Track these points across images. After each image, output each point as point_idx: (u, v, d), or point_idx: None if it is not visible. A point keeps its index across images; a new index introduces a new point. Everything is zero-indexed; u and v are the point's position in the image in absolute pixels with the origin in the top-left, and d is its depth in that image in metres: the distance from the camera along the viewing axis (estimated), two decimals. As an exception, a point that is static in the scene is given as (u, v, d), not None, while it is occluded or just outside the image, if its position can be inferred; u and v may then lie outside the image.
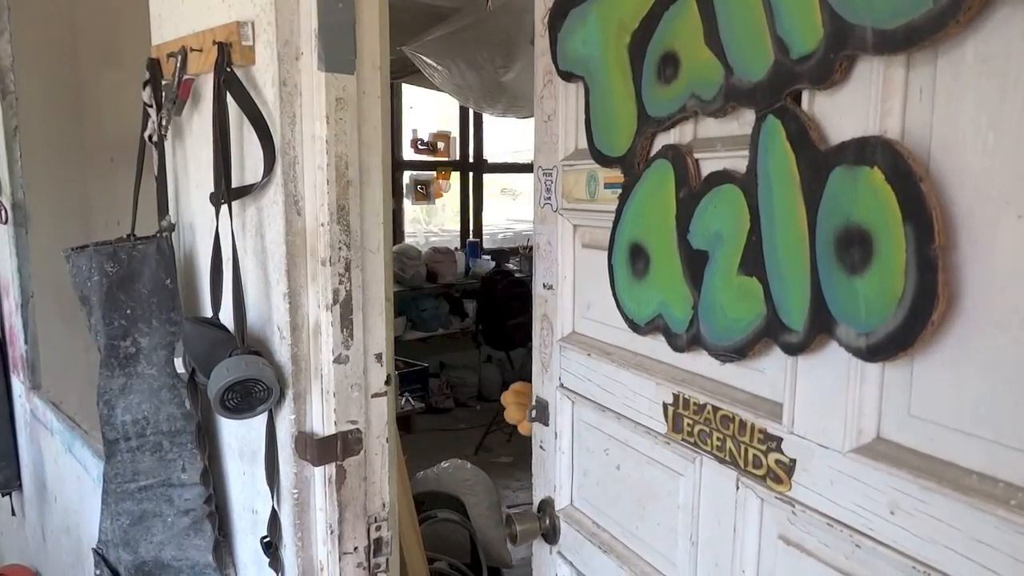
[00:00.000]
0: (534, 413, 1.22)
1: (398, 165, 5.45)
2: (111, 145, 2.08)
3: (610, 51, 0.95)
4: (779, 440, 0.78)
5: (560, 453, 1.18)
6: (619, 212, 0.96)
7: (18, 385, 2.82)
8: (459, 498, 3.30)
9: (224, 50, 1.23)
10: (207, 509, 1.43)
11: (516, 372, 5.11)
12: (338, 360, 1.26)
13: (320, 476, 1.29)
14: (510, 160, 6.40)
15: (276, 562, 1.35)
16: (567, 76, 1.05)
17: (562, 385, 1.16)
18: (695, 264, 0.84)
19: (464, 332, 5.54)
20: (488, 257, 5.79)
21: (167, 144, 1.48)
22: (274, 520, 1.34)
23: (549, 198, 1.14)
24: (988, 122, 0.58)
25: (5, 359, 2.87)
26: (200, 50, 1.32)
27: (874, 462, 0.68)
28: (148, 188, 1.53)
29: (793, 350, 0.73)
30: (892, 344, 0.63)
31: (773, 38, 0.71)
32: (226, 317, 1.32)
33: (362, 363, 1.30)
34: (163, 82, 1.41)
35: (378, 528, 1.36)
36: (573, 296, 1.13)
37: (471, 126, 5.86)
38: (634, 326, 0.97)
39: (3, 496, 3.01)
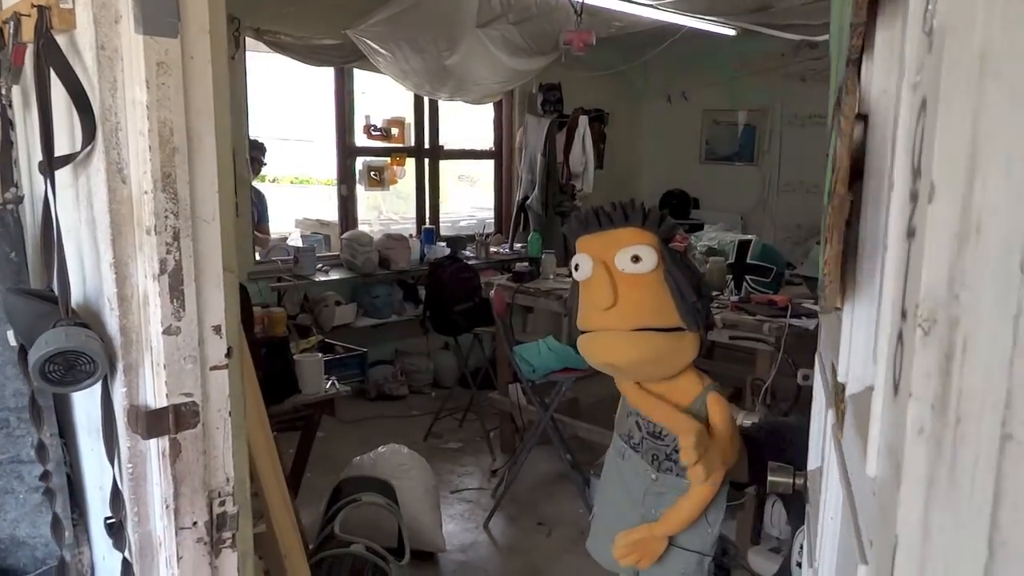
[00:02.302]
0: None
1: (350, 151, 5.42)
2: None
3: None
4: (843, 387, 0.85)
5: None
6: None
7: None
8: (388, 482, 3.29)
9: (44, 14, 1.20)
10: (43, 486, 1.41)
11: (468, 358, 5.10)
12: (168, 331, 1.24)
13: (154, 449, 1.27)
14: (467, 147, 6.38)
15: (120, 541, 1.33)
16: None
17: None
18: None
19: (418, 319, 5.53)
20: (444, 244, 5.77)
21: (15, 114, 1.45)
22: (116, 497, 1.32)
23: None
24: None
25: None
26: (29, 15, 1.28)
27: (854, 406, 0.75)
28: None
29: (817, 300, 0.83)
30: (816, 289, 0.74)
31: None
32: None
33: (196, 335, 1.28)
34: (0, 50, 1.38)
35: (222, 503, 1.35)
36: None
37: (426, 112, 5.82)
38: None
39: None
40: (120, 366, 1.27)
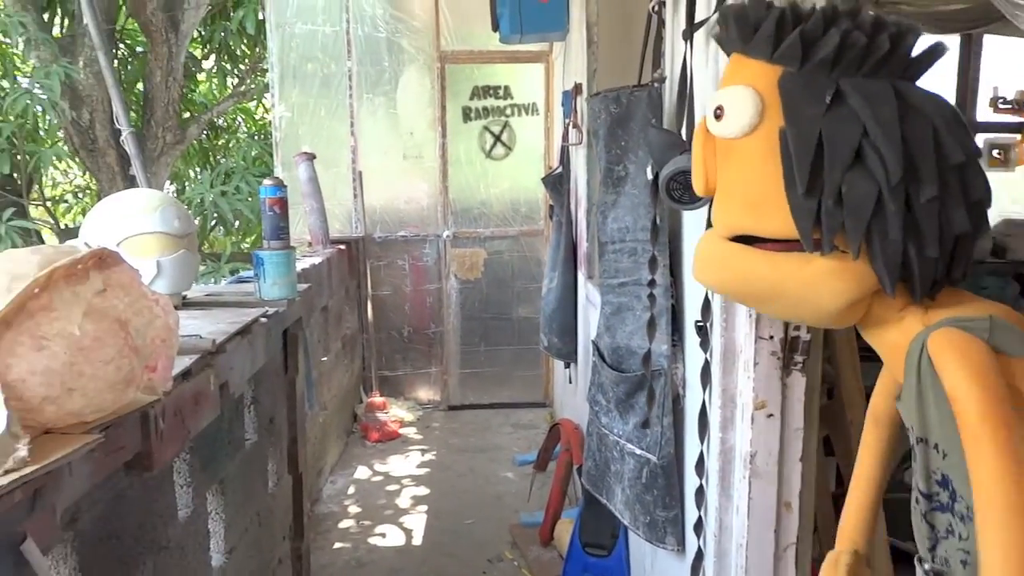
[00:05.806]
0: None
1: (973, 127, 4.93)
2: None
3: None
4: None
5: None
6: None
7: (580, 277, 3.60)
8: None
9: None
10: (657, 302, 1.73)
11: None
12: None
13: (743, 263, 1.47)
14: None
15: (705, 343, 1.58)
16: None
17: None
18: None
19: (1038, 319, 4.72)
20: (1085, 236, 4.78)
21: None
22: (707, 307, 1.57)
23: None
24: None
25: (575, 258, 3.68)
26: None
27: None
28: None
29: None
30: None
31: None
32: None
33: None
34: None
35: (796, 328, 1.47)
36: None
37: (1076, 80, 4.91)
38: None
39: (566, 368, 3.86)
40: (724, 190, 1.50)
